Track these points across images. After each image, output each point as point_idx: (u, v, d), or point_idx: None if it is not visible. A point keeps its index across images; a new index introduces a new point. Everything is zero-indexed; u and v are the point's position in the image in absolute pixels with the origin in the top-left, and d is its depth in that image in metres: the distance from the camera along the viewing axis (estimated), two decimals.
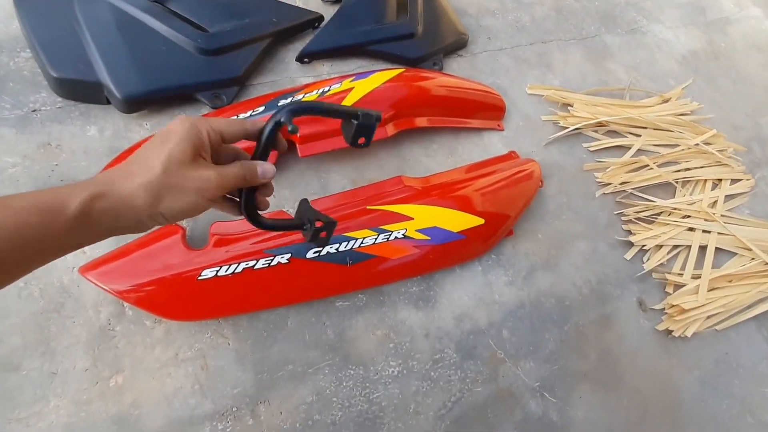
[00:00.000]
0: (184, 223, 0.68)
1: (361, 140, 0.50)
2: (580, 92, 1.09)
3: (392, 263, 0.69)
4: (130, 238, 0.64)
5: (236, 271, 0.62)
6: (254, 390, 0.62)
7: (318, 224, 0.56)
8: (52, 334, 0.58)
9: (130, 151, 0.69)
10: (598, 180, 0.98)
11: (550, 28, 1.21)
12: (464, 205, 0.74)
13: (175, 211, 0.36)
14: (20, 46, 0.74)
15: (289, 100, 0.75)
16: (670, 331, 0.84)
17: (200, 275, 0.61)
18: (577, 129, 1.02)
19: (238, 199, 0.45)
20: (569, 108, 1.05)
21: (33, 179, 0.65)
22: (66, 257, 0.61)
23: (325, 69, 0.92)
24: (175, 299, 0.61)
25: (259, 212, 0.47)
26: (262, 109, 0.73)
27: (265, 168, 0.42)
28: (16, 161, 0.66)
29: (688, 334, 0.84)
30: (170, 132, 0.36)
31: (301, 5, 0.96)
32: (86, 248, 0.64)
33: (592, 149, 1.01)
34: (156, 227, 0.35)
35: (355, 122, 0.48)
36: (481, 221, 0.74)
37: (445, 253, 0.73)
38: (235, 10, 0.83)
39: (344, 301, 0.71)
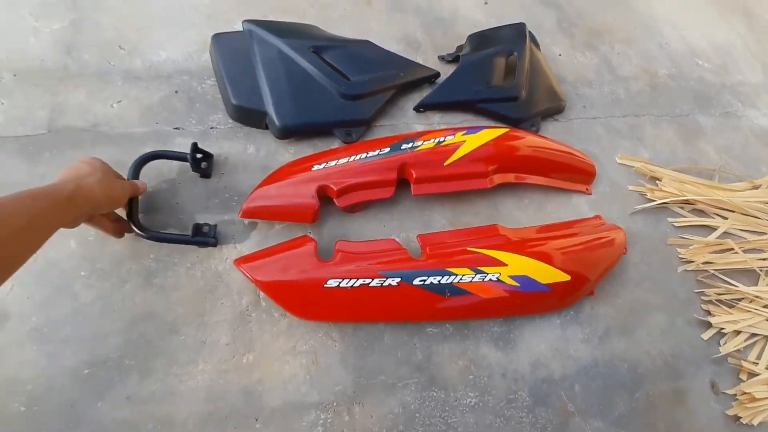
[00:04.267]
0: (314, 236, 0.81)
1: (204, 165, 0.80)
2: (669, 168, 1.13)
3: (484, 301, 0.77)
4: (271, 240, 0.78)
5: (354, 285, 0.73)
6: (352, 391, 0.72)
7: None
8: (206, 310, 0.72)
9: (277, 171, 0.83)
10: (680, 256, 1.00)
11: (644, 102, 1.27)
12: (553, 260, 0.81)
13: (116, 197, 0.64)
14: (206, 75, 0.92)
15: (410, 144, 0.87)
16: (739, 418, 0.84)
17: (326, 283, 0.72)
18: (663, 203, 1.06)
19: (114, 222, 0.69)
20: (657, 182, 1.10)
21: (205, 182, 0.82)
22: (222, 250, 0.75)
23: (436, 119, 1.04)
24: (303, 299, 0.73)
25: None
26: (387, 149, 0.86)
27: (142, 183, 0.72)
28: None
29: (755, 422, 0.83)
30: (94, 161, 0.64)
31: (421, 62, 1.10)
32: (238, 245, 0.78)
33: (677, 225, 1.05)
34: (115, 209, 0.67)
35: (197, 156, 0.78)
36: (567, 278, 0.81)
37: (530, 301, 0.80)
38: (372, 64, 0.98)
39: (434, 328, 0.79)
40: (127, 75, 0.87)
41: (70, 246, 0.70)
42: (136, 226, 0.69)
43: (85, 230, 0.72)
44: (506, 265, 0.78)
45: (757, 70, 1.50)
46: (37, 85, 0.81)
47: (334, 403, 0.70)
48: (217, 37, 0.90)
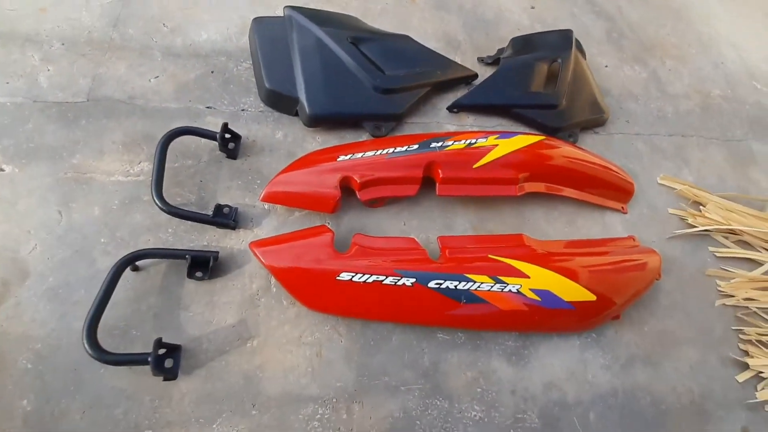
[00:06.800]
0: (333, 227, 0.79)
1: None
2: (715, 194, 1.05)
3: (500, 313, 0.73)
4: (289, 227, 0.77)
5: (368, 281, 0.70)
6: (353, 389, 0.69)
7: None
8: (216, 289, 0.71)
9: (302, 159, 0.82)
10: (719, 289, 0.93)
11: (692, 123, 1.19)
12: (580, 277, 0.76)
13: None
14: (243, 57, 0.93)
15: (440, 144, 0.84)
16: None
17: (339, 276, 0.70)
18: (705, 231, 0.99)
19: None
20: (701, 207, 1.02)
21: (230, 162, 0.82)
22: (239, 232, 0.75)
23: (469, 121, 1.01)
24: (313, 289, 0.71)
25: None
26: (416, 147, 0.83)
27: None
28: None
29: None
30: None
31: (460, 62, 1.07)
32: (255, 228, 0.78)
33: (718, 255, 0.97)
34: None
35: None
36: (593, 298, 0.76)
37: (550, 318, 0.76)
38: (409, 59, 0.96)
39: (445, 335, 0.76)
40: (167, 52, 0.89)
41: (94, 212, 0.72)
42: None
43: (110, 197, 0.73)
44: (528, 277, 0.74)
45: None
46: (83, 55, 0.84)
47: (334, 399, 0.68)
48: (258, 21, 0.91)
